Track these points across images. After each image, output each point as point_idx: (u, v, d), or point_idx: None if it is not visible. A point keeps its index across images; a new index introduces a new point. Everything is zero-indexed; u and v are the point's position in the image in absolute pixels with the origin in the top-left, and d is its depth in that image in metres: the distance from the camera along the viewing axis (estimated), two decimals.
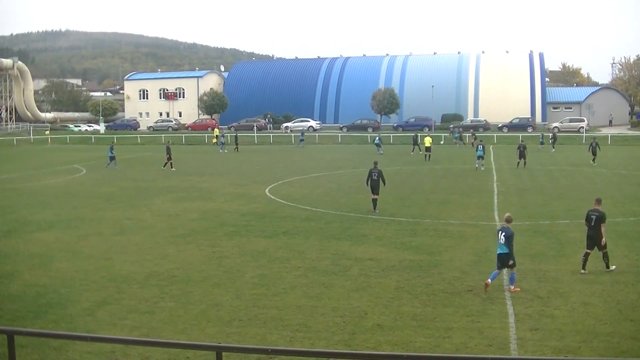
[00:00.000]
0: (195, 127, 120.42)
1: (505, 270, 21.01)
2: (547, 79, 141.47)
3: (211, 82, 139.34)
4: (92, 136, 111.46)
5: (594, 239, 22.37)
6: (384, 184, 36.09)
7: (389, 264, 23.59)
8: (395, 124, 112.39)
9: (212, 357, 9.38)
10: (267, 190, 43.30)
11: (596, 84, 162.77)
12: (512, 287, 20.43)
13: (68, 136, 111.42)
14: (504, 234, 20.53)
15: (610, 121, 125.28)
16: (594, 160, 59.53)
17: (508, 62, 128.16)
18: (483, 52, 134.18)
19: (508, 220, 21.01)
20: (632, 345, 15.71)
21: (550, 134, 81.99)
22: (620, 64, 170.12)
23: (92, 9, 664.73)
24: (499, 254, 20.60)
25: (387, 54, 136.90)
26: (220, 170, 57.52)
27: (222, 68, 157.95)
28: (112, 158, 60.41)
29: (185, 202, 39.14)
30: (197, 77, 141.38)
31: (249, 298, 19.81)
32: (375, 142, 75.67)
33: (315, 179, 50.34)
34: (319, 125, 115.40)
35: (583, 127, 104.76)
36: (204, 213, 35.13)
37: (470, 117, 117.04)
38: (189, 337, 16.45)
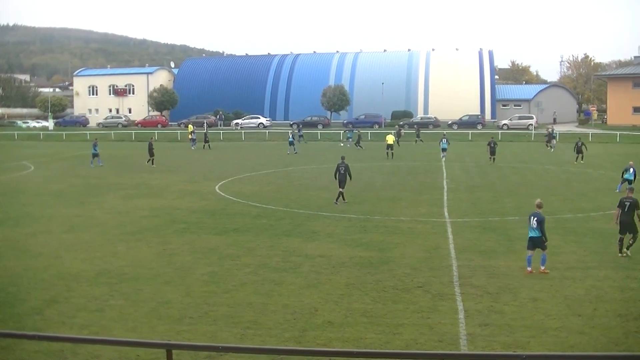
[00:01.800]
0: (144, 123, 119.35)
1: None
2: (496, 77, 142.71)
3: (161, 78, 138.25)
4: (41, 133, 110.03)
5: (626, 225, 24.09)
6: (350, 178, 36.55)
7: (339, 261, 23.60)
8: (345, 121, 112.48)
9: (163, 355, 9.29)
10: (217, 187, 43.10)
11: (545, 82, 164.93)
12: (543, 268, 21.86)
13: (16, 132, 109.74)
14: (535, 218, 22.09)
15: (555, 119, 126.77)
16: (577, 159, 58.32)
17: (458, 59, 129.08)
18: (433, 49, 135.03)
19: (539, 206, 22.56)
20: (580, 340, 15.92)
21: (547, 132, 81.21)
22: (568, 62, 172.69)
23: (41, 3, 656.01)
24: (531, 237, 22.11)
25: (337, 51, 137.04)
26: (171, 167, 57.13)
27: (172, 64, 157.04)
28: (95, 155, 58.96)
29: (136, 199, 38.82)
30: (147, 73, 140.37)
31: (200, 295, 19.69)
32: (348, 135, 77.92)
33: (265, 175, 50.26)
34: (269, 122, 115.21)
35: (532, 125, 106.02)
36: (155, 210, 34.86)
37: (420, 114, 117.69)
38: (139, 335, 16.30)
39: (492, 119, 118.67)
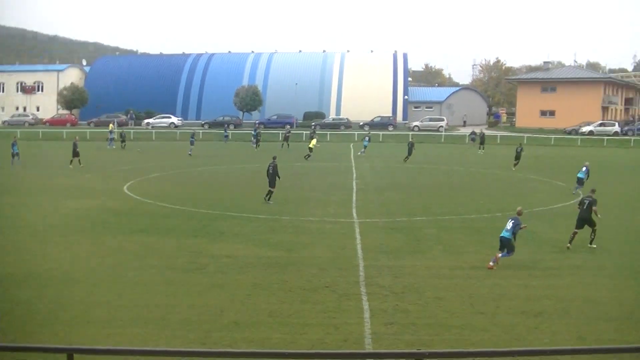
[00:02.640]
0: (53, 122, 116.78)
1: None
2: (409, 79, 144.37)
3: (72, 76, 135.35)
4: None
5: (584, 220, 26.34)
6: (279, 177, 36.52)
7: (246, 261, 23.44)
8: (257, 121, 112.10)
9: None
10: (125, 187, 42.39)
11: (457, 85, 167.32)
12: (499, 256, 22.98)
13: None
14: (512, 221, 23.42)
15: (465, 122, 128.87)
16: (515, 165, 56.54)
17: (372, 61, 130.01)
18: (348, 51, 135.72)
19: (519, 213, 23.99)
20: (483, 337, 16.17)
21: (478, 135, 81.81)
22: (480, 66, 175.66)
23: None
24: (501, 237, 23.22)
25: (252, 51, 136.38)
26: (80, 166, 55.96)
27: (84, 62, 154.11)
28: (15, 154, 56.31)
29: (42, 198, 37.94)
30: (57, 70, 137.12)
31: (104, 297, 19.33)
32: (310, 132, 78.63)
33: (174, 175, 49.70)
34: (180, 121, 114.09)
35: (442, 127, 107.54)
36: (60, 210, 34.13)
37: (332, 115, 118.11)
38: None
39: (403, 120, 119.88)
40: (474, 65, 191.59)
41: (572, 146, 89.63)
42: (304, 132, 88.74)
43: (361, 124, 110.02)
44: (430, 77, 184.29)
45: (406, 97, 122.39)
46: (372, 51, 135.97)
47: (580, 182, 41.13)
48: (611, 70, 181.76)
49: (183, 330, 16.61)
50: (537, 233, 28.84)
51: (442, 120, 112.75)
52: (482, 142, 75.84)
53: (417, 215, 33.12)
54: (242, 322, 17.16)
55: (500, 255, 23.08)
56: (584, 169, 42.56)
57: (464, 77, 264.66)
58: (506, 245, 23.16)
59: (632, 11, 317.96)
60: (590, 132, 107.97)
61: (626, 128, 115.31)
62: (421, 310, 18.21)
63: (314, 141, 65.14)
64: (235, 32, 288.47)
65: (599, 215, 26.76)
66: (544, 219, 32.66)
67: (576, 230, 26.43)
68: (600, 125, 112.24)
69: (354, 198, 38.34)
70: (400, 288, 20.21)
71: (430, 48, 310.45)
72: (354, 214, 32.96)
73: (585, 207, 26.60)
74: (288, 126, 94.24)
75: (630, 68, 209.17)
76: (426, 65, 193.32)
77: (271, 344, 15.62)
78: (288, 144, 74.97)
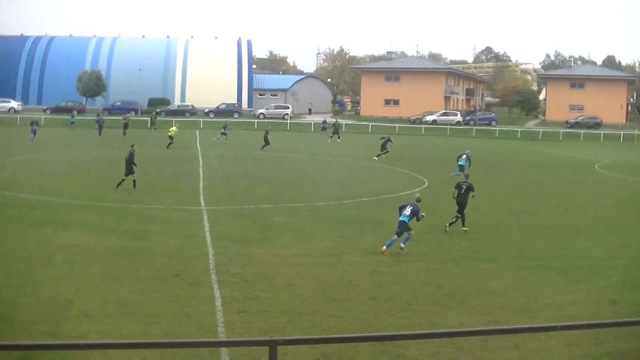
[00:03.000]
0: None
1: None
2: (254, 66, 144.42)
3: None
4: None
5: (463, 204, 27.92)
6: (134, 164, 35.47)
7: (94, 251, 22.75)
8: (101, 107, 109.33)
9: None
10: None
11: (302, 73, 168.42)
12: (402, 246, 23.66)
13: None
14: (411, 208, 24.17)
15: (310, 109, 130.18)
16: (379, 155, 56.38)
17: (217, 48, 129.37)
18: (192, 37, 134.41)
19: (418, 200, 25.05)
20: (334, 323, 16.36)
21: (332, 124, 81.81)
22: (325, 55, 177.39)
23: None
24: (401, 221, 23.77)
25: (94, 35, 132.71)
26: None
27: None
28: None
29: None
30: None
31: None
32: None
33: (15, 163, 47.82)
34: (20, 106, 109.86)
35: (287, 114, 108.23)
36: None
37: (177, 102, 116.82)
38: None
39: (249, 107, 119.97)
40: (319, 53, 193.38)
41: (416, 135, 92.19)
42: (147, 118, 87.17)
43: (206, 110, 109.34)
44: (275, 64, 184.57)
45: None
46: (216, 37, 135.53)
47: (461, 169, 42.69)
48: (452, 62, 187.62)
49: (31, 323, 15.98)
50: (386, 220, 29.37)
51: (288, 108, 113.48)
52: (336, 131, 76.72)
53: (266, 202, 33.17)
54: (92, 313, 16.62)
55: (402, 244, 23.73)
56: (464, 156, 44.41)
57: (308, 65, 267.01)
58: (405, 229, 23.81)
59: (471, 4, 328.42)
60: (434, 121, 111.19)
61: (468, 118, 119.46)
62: (272, 297, 18.25)
63: (174, 129, 62.94)
64: (74, 15, 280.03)
65: (473, 195, 28.51)
66: (392, 206, 33.23)
67: (458, 215, 27.95)
68: (443, 114, 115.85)
69: (201, 186, 38.02)
70: (251, 276, 20.18)
71: (274, 35, 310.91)
72: (202, 202, 32.69)
73: (462, 192, 28.20)
74: (128, 114, 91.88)
75: (470, 60, 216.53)
76: (271, 53, 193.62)
77: (122, 335, 15.24)
78: (124, 133, 72.52)
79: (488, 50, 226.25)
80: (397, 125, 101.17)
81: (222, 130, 69.50)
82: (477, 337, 14.98)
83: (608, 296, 19.59)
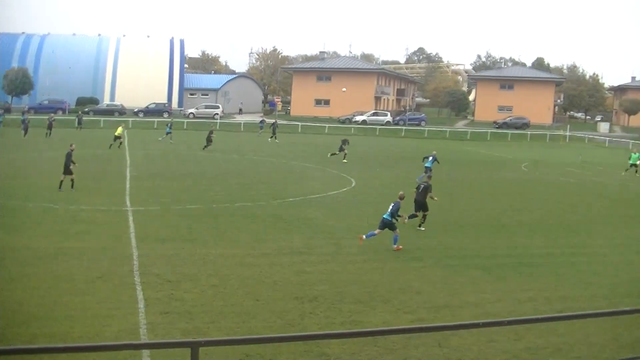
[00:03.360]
0: None
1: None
2: (186, 66, 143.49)
3: None
4: None
5: (420, 204, 28.97)
6: (74, 163, 35.03)
7: (13, 252, 22.34)
8: (26, 106, 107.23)
9: None
10: None
11: (234, 72, 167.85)
12: (396, 247, 24.68)
13: None
14: (393, 205, 25.15)
15: (240, 109, 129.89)
16: (334, 154, 56.19)
17: (148, 47, 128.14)
18: (124, 35, 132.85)
19: (401, 198, 25.69)
20: (258, 324, 16.33)
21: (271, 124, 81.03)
22: (257, 54, 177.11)
23: None
24: (384, 219, 24.87)
25: (23, 32, 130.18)
26: None
27: None
28: None
29: None
30: None
31: None
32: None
33: None
34: None
35: (218, 114, 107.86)
36: None
37: (106, 101, 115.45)
38: None
39: (179, 107, 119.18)
40: (251, 53, 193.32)
41: (346, 135, 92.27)
42: (75, 118, 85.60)
43: (136, 110, 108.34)
44: (207, 64, 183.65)
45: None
46: (148, 36, 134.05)
47: (427, 170, 42.56)
48: (384, 62, 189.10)
49: None
50: (312, 219, 29.60)
51: (218, 107, 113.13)
52: (274, 132, 76.56)
53: (192, 203, 32.90)
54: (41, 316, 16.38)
55: (394, 245, 24.74)
56: (431, 158, 45.52)
57: (241, 65, 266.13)
58: (388, 225, 24.79)
59: (404, 5, 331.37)
60: (364, 122, 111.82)
61: (398, 118, 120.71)
62: (197, 298, 18.11)
63: (120, 129, 61.00)
64: (1, 12, 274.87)
65: (435, 199, 29.48)
66: (319, 206, 33.54)
67: (416, 213, 29.02)
68: (373, 114, 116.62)
69: (128, 186, 37.57)
70: (176, 276, 20.00)
71: (207, 35, 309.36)
72: (128, 203, 32.28)
73: (420, 191, 29.19)
74: (53, 113, 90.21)
75: (402, 60, 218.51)
76: (203, 52, 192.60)
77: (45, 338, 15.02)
78: (48, 133, 70.90)
79: (420, 51, 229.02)
80: (326, 125, 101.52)
81: (168, 129, 68.90)
82: (400, 336, 15.08)
83: (528, 294, 19.95)
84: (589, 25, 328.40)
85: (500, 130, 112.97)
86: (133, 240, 24.46)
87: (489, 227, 30.39)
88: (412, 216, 28.76)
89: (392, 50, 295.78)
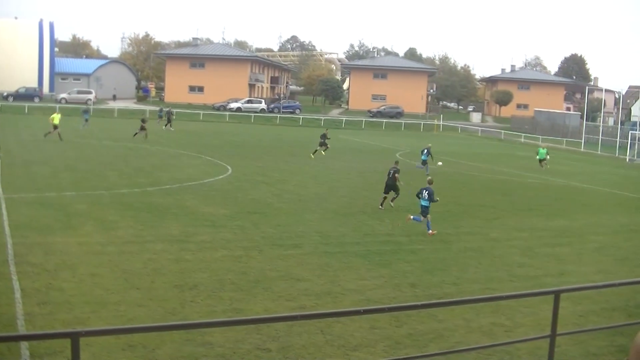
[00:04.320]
0: None
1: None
2: (56, 49, 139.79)
3: None
4: None
5: (389, 186, 32.33)
6: None
7: None
8: None
9: None
10: None
11: (106, 57, 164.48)
12: (430, 232, 27.02)
13: None
14: (427, 192, 27.34)
15: (114, 95, 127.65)
16: (316, 151, 55.64)
17: (16, 29, 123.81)
18: None
19: (430, 182, 28.41)
20: (139, 312, 16.16)
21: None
22: (130, 39, 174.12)
23: None
24: (423, 206, 27.39)
25: None
26: None
27: None
28: None
29: None
30: None
31: None
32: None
33: None
34: None
35: (90, 100, 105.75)
36: None
37: None
38: None
39: (50, 92, 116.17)
40: (123, 38, 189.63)
41: (221, 122, 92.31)
42: None
43: (5, 94, 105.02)
44: (79, 48, 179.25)
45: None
46: (16, 18, 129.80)
47: (424, 162, 48.31)
48: (258, 50, 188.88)
49: None
50: (189, 207, 29.47)
51: (91, 93, 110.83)
52: (169, 120, 75.72)
53: (67, 190, 32.20)
54: None
55: (429, 231, 27.08)
56: (425, 150, 49.05)
57: (113, 50, 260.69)
58: (426, 212, 27.30)
59: None
60: (238, 109, 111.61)
61: (272, 106, 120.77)
62: (76, 287, 17.74)
63: (56, 115, 57.02)
64: None
65: (401, 182, 32.81)
66: (196, 193, 33.42)
67: (385, 195, 32.41)
68: (248, 102, 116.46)
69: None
70: (53, 266, 19.54)
71: (78, 18, 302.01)
72: (0, 190, 31.38)
73: (390, 176, 32.35)
74: None
75: (276, 48, 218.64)
76: (74, 36, 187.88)
77: None
78: None
79: (294, 39, 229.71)
80: (201, 112, 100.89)
81: (85, 116, 67.35)
82: (283, 323, 15.21)
83: (408, 280, 20.41)
84: (460, 16, 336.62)
85: (374, 119, 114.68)
86: (7, 228, 23.65)
87: (366, 215, 30.86)
88: (382, 200, 32.52)
89: (266, 37, 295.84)
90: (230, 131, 79.26)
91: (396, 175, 32.36)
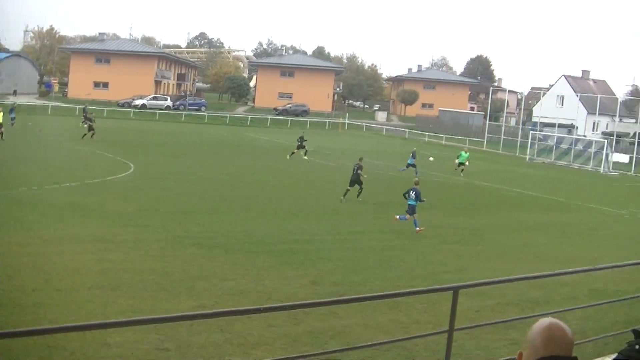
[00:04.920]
0: None
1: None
2: None
3: None
4: None
5: (353, 181, 36.30)
6: None
7: None
8: None
9: None
10: None
11: (7, 51, 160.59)
12: (418, 229, 28.97)
13: None
14: (414, 192, 29.61)
15: (15, 91, 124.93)
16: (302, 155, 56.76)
17: None
18: None
19: (416, 184, 30.51)
20: (60, 314, 16.11)
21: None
22: (33, 32, 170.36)
23: None
24: (410, 205, 29.53)
25: None
26: None
27: None
28: None
29: None
30: None
31: None
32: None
33: None
34: None
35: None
36: None
37: None
38: None
39: None
40: (26, 31, 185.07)
41: (126, 119, 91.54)
42: None
43: None
44: None
45: None
46: None
47: (410, 165, 50.88)
48: (166, 46, 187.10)
49: None
50: (88, 205, 29.45)
51: None
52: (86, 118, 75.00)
53: None
54: None
55: (417, 228, 29.09)
56: (411, 154, 51.81)
57: (14, 43, 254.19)
58: (413, 210, 29.40)
59: None
60: (143, 106, 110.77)
61: (178, 103, 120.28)
62: None
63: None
64: None
65: (365, 176, 36.83)
66: (97, 192, 33.36)
67: (349, 188, 36.02)
68: (153, 99, 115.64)
69: None
70: None
71: None
72: None
73: (354, 172, 36.37)
74: None
75: (184, 45, 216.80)
76: None
77: None
78: None
79: (202, 35, 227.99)
80: (105, 108, 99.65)
81: (11, 114, 65.83)
82: (183, 322, 15.16)
83: (310, 278, 20.83)
84: (369, 16, 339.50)
85: (280, 117, 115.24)
86: None
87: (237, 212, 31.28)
88: (345, 193, 36.12)
89: (174, 34, 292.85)
90: (135, 128, 78.59)
91: (359, 171, 36.33)
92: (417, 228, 28.94)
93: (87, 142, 55.71)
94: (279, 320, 16.15)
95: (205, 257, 22.47)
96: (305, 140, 57.39)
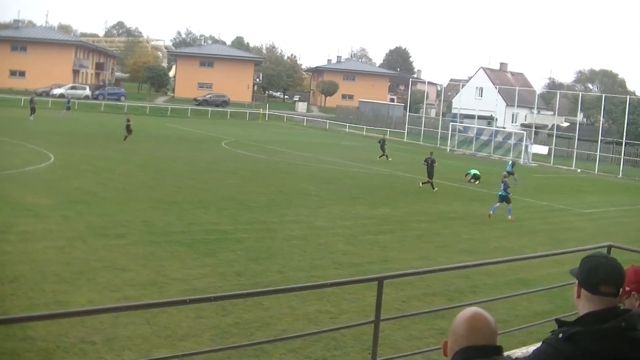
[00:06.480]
0: None
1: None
2: None
3: None
4: None
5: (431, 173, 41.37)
6: None
7: None
8: None
9: None
10: None
11: None
12: (510, 217, 33.01)
13: None
14: (503, 183, 33.52)
15: None
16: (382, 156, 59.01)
17: None
18: None
19: (505, 176, 35.03)
20: None
21: None
22: None
23: None
24: (500, 195, 33.48)
25: None
26: None
27: None
28: None
29: None
30: None
31: None
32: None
33: None
34: None
35: None
36: None
37: None
38: None
39: None
40: None
41: (43, 109, 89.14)
42: None
43: None
44: None
45: None
46: None
47: (509, 173, 46.09)
48: (83, 34, 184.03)
49: None
50: (12, 197, 28.37)
51: None
52: (33, 111, 73.28)
53: None
54: None
55: (509, 216, 32.99)
56: (510, 163, 52.61)
57: None
58: (505, 199, 33.25)
59: None
60: (61, 95, 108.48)
61: (97, 92, 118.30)
62: None
63: None
64: None
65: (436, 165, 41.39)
66: (17, 182, 32.29)
67: (430, 180, 41.11)
68: (72, 88, 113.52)
69: None
70: None
71: None
72: None
73: (429, 164, 41.57)
74: None
75: (102, 33, 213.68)
76: None
77: None
78: None
79: (120, 24, 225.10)
80: (22, 97, 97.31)
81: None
82: (107, 315, 14.85)
83: (234, 269, 20.40)
84: (288, 6, 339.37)
85: (200, 107, 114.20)
86: None
87: (191, 204, 30.63)
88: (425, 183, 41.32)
89: (91, 22, 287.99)
90: (53, 118, 77.05)
91: (434, 164, 41.81)
92: (509, 216, 33.05)
93: (6, 132, 54.03)
94: (207, 312, 15.81)
95: (106, 248, 21.64)
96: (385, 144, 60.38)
